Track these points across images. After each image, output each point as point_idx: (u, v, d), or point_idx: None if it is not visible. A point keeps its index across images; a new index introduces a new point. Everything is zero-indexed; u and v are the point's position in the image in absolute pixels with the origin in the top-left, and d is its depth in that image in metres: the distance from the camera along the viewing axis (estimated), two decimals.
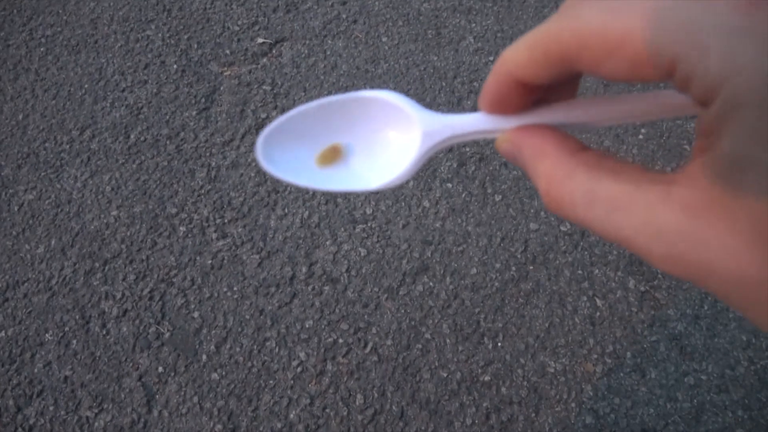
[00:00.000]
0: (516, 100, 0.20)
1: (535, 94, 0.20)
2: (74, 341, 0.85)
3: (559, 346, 0.82)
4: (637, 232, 0.15)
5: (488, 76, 0.19)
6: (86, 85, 1.08)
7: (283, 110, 1.03)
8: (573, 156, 0.18)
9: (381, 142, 0.26)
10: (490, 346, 0.83)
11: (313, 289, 0.88)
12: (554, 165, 0.19)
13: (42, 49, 1.12)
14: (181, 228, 0.94)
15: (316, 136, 0.26)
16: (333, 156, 0.26)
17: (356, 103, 0.25)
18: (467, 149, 1.01)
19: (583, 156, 0.18)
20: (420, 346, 0.83)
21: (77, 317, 0.87)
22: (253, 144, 1.00)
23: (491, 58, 1.09)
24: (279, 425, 0.78)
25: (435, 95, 1.05)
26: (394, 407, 0.79)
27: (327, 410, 0.79)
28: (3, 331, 0.86)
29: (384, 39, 1.13)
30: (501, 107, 0.21)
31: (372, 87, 1.06)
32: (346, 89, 1.05)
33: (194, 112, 1.04)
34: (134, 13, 1.16)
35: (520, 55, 0.18)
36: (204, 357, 0.84)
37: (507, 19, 1.15)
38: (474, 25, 1.14)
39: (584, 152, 0.19)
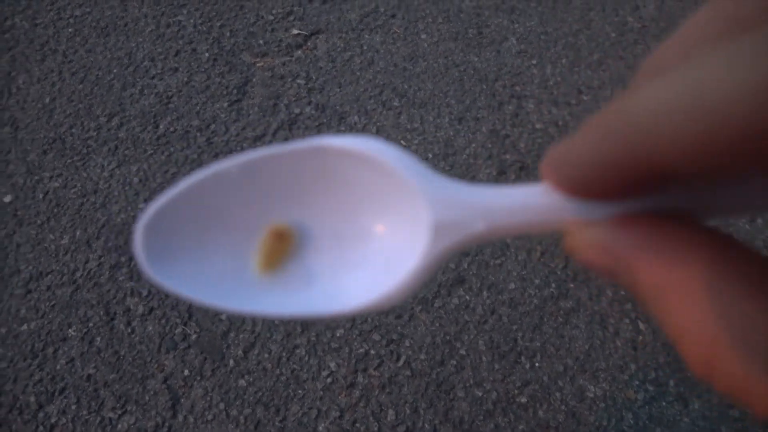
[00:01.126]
0: (632, 190, 0.11)
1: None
2: (98, 338, 0.83)
3: (599, 370, 0.80)
4: None
5: (579, 137, 0.11)
6: (115, 70, 1.05)
7: (318, 107, 1.00)
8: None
9: (358, 225, 0.15)
10: (528, 366, 0.80)
11: None
12: (722, 330, 0.10)
13: (70, 29, 1.09)
14: None
15: (247, 220, 0.15)
16: (279, 249, 0.15)
17: (313, 158, 0.14)
18: (508, 156, 0.97)
19: None
20: (454, 362, 0.80)
21: (101, 313, 0.84)
22: (287, 139, 0.97)
23: (534, 62, 1.05)
24: None
25: (475, 98, 1.01)
26: (426, 425, 0.76)
27: (357, 425, 0.77)
28: (26, 324, 0.84)
29: (423, 36, 1.09)
30: (596, 194, 0.12)
31: (408, 88, 1.02)
32: (383, 87, 1.02)
33: (226, 104, 1.01)
34: None
35: (671, 126, 0.09)
36: (231, 362, 0.81)
37: (551, 21, 1.10)
38: (517, 25, 1.10)
39: None
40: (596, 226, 0.12)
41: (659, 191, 0.12)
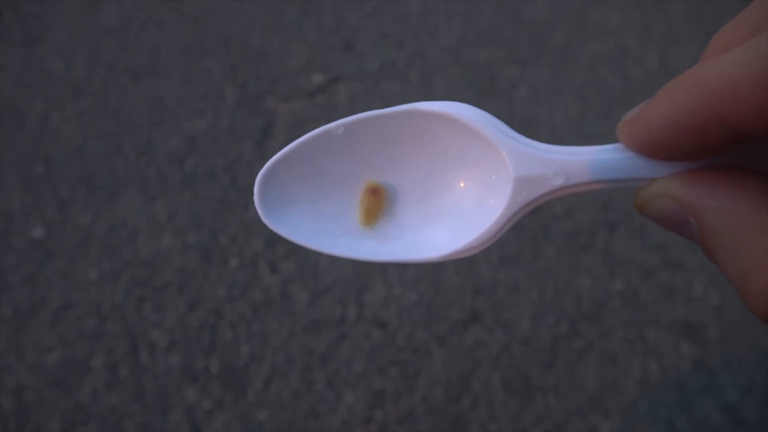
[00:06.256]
0: (706, 149, 0.12)
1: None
2: (122, 370, 0.85)
3: (611, 408, 0.81)
4: None
5: (656, 100, 0.13)
6: (144, 111, 1.10)
7: None
8: None
9: (442, 182, 0.17)
10: (541, 404, 0.82)
11: (363, 331, 0.88)
12: None
13: (104, 72, 1.14)
14: (232, 261, 0.94)
15: (347, 177, 0.17)
16: (375, 205, 0.17)
17: (406, 121, 0.17)
18: None
19: None
20: (470, 398, 0.82)
21: (126, 345, 0.87)
22: None
23: (544, 110, 1.10)
24: None
25: None
26: None
27: None
28: (52, 354, 0.86)
29: (439, 84, 1.15)
30: (671, 154, 0.13)
31: None
32: None
33: (250, 146, 1.06)
34: (195, 44, 1.18)
35: (746, 88, 0.10)
36: (251, 394, 0.83)
37: (560, 72, 1.16)
38: (528, 76, 1.16)
39: None
40: (666, 179, 0.13)
41: (728, 151, 0.12)
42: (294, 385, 0.84)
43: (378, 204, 0.17)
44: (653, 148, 0.13)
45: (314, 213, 0.18)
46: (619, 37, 1.20)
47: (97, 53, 1.17)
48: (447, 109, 0.16)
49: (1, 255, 0.95)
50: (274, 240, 0.96)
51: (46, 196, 1.00)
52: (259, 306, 0.90)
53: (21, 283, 0.92)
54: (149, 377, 0.84)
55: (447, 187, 0.17)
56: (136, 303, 0.90)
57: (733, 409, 0.82)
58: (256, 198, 0.17)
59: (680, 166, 0.14)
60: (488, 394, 0.82)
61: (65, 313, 0.89)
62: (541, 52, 1.19)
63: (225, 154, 1.05)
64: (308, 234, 0.17)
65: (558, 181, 0.15)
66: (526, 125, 1.08)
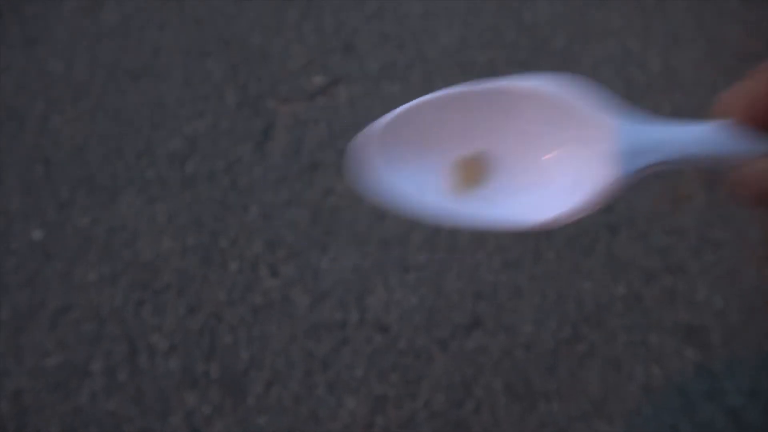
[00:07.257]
0: None
1: None
2: (121, 373, 0.84)
3: (614, 413, 0.81)
4: None
5: (760, 71, 0.12)
6: (145, 113, 1.09)
7: (339, 151, 1.04)
8: None
9: (541, 151, 0.18)
10: (544, 409, 0.81)
11: (364, 336, 0.87)
12: None
13: (104, 73, 1.14)
14: (232, 263, 0.93)
15: (446, 144, 0.18)
16: (474, 174, 0.17)
17: (504, 95, 0.17)
18: None
19: None
20: (472, 403, 0.82)
21: (125, 349, 0.86)
22: (309, 182, 1.01)
23: None
24: None
25: None
26: None
27: None
28: (50, 357, 0.86)
29: (439, 85, 1.13)
30: None
31: None
32: None
33: (250, 148, 1.05)
34: (195, 45, 1.17)
35: None
36: (251, 399, 0.83)
37: (562, 74, 1.15)
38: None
39: None
40: (765, 157, 0.13)
41: None
42: (294, 390, 0.83)
43: (473, 171, 0.17)
44: (757, 119, 0.13)
45: (409, 179, 0.17)
46: (620, 39, 1.19)
47: (97, 54, 1.17)
48: (549, 88, 0.16)
49: (0, 257, 0.94)
50: (275, 242, 0.95)
51: (46, 198, 1.00)
52: (260, 309, 0.90)
53: (20, 286, 0.92)
54: (148, 381, 0.84)
55: (545, 157, 0.17)
56: (135, 306, 0.90)
57: (737, 414, 0.81)
58: (357, 162, 0.16)
59: None
60: (490, 399, 0.82)
61: (64, 315, 0.89)
62: (541, 54, 1.18)
63: (225, 155, 1.04)
64: (402, 198, 0.17)
65: (656, 156, 0.15)
66: None
